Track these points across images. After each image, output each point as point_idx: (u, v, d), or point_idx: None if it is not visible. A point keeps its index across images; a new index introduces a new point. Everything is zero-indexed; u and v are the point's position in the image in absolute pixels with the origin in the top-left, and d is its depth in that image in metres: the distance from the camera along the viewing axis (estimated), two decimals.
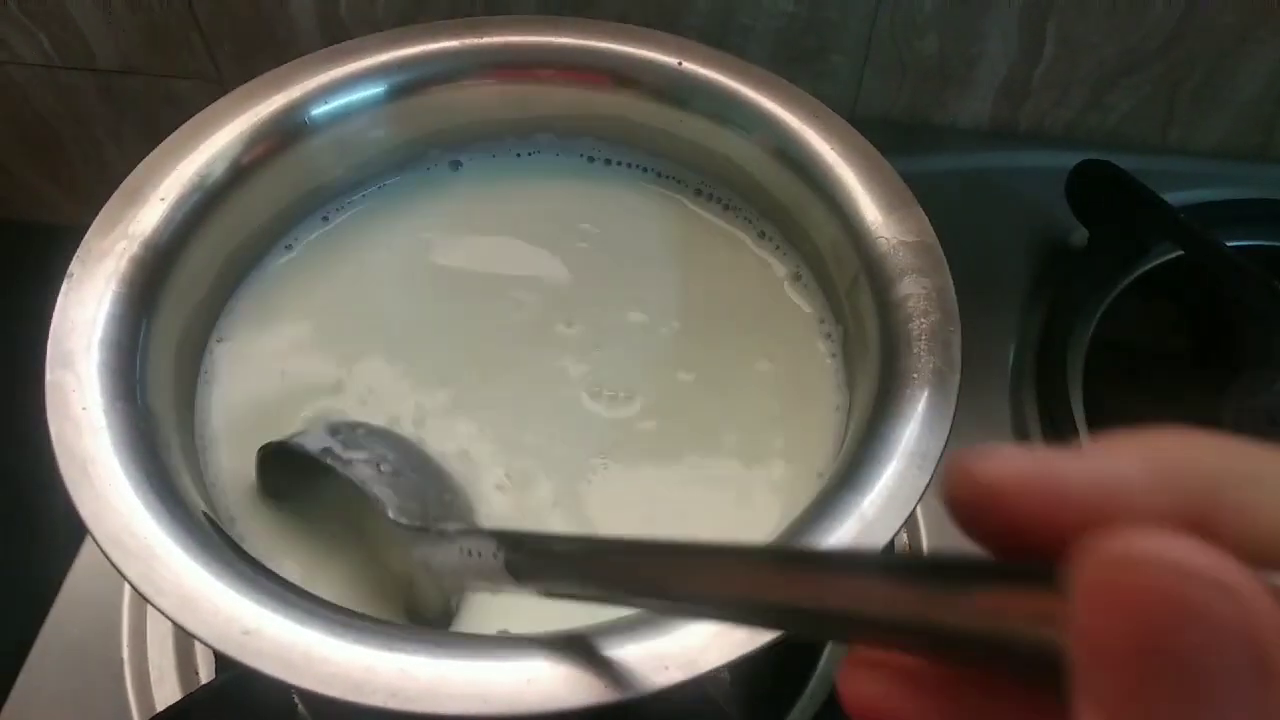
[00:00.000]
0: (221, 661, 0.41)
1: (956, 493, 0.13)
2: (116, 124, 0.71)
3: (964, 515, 0.13)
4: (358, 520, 0.32)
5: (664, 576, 0.20)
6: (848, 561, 0.17)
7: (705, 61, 0.39)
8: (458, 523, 0.30)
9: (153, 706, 0.40)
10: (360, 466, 0.31)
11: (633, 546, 0.21)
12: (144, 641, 0.42)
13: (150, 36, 0.65)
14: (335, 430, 0.32)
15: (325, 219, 0.40)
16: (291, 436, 0.32)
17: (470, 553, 0.25)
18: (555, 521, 0.33)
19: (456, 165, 0.41)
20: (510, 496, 0.34)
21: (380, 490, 0.30)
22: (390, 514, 0.29)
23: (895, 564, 0.18)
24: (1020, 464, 0.13)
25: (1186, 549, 0.10)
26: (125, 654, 0.41)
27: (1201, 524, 0.11)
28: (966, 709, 0.15)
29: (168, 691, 0.41)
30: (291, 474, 0.33)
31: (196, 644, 0.42)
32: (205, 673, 0.41)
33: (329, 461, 0.31)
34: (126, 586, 0.43)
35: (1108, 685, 0.10)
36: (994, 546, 0.13)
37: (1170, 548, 0.10)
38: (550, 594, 0.23)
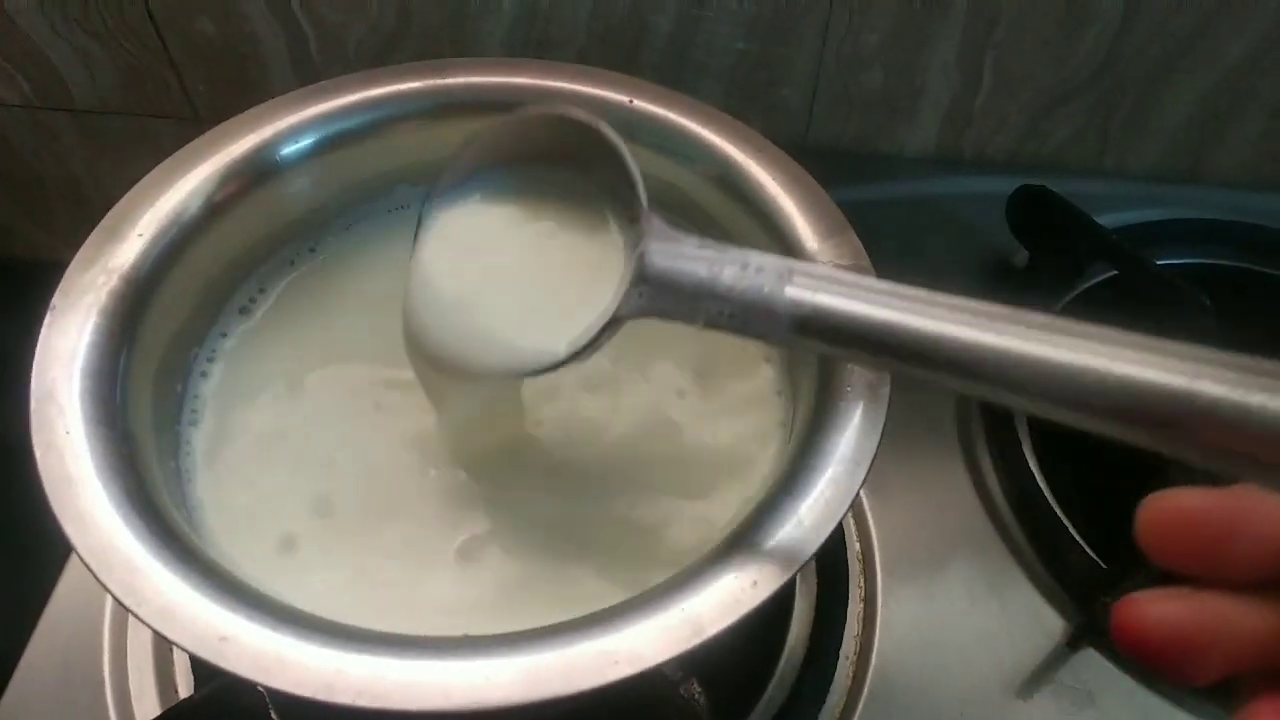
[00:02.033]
0: (200, 678, 0.43)
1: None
2: (94, 162, 0.73)
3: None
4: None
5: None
6: None
7: (655, 99, 0.41)
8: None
9: None
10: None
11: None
12: (124, 659, 0.43)
13: (127, 77, 0.67)
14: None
15: (298, 259, 0.42)
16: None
17: (753, 269, 0.26)
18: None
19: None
20: None
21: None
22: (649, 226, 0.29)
23: None
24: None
25: None
26: (106, 672, 0.43)
27: None
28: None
29: (147, 707, 0.42)
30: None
31: (175, 662, 0.44)
32: (184, 689, 0.43)
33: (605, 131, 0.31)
34: (108, 606, 0.45)
35: None
36: None
37: None
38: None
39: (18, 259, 0.78)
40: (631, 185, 0.30)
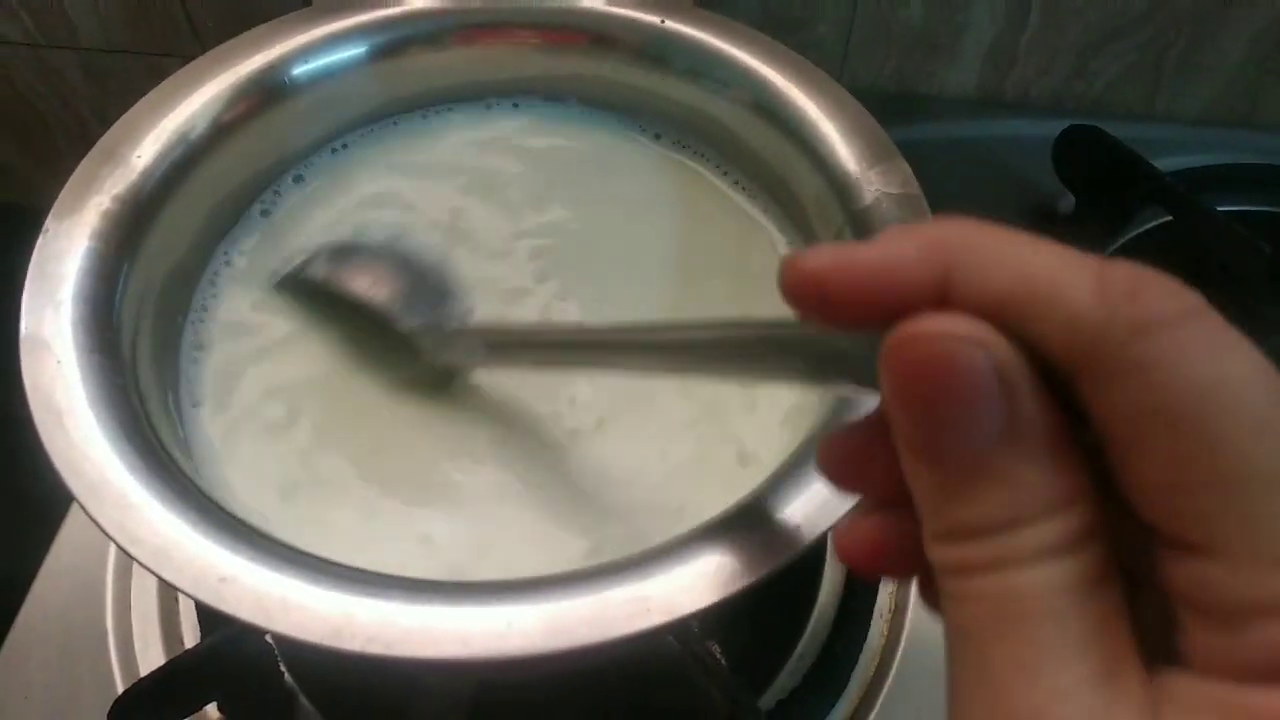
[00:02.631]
0: (206, 627, 0.41)
1: (791, 283, 0.17)
2: (100, 103, 0.71)
3: (799, 301, 0.17)
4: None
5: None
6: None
7: (687, 19, 0.38)
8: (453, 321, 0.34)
9: (137, 674, 0.40)
10: (362, 283, 0.34)
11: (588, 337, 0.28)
12: (128, 611, 0.41)
13: (133, 13, 0.64)
14: (335, 255, 0.36)
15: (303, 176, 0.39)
16: (297, 267, 0.36)
17: (463, 347, 0.32)
18: None
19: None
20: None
21: (383, 303, 0.33)
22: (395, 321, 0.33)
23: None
24: (832, 254, 0.16)
25: (954, 321, 0.15)
26: (110, 623, 0.41)
27: (950, 287, 0.15)
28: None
29: (153, 659, 0.40)
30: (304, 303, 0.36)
31: (181, 611, 0.42)
32: (190, 639, 0.41)
33: (332, 286, 0.34)
34: (111, 554, 0.43)
35: (906, 418, 0.16)
36: (826, 324, 0.17)
37: (943, 321, 0.15)
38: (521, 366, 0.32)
39: (19, 203, 0.77)
40: None
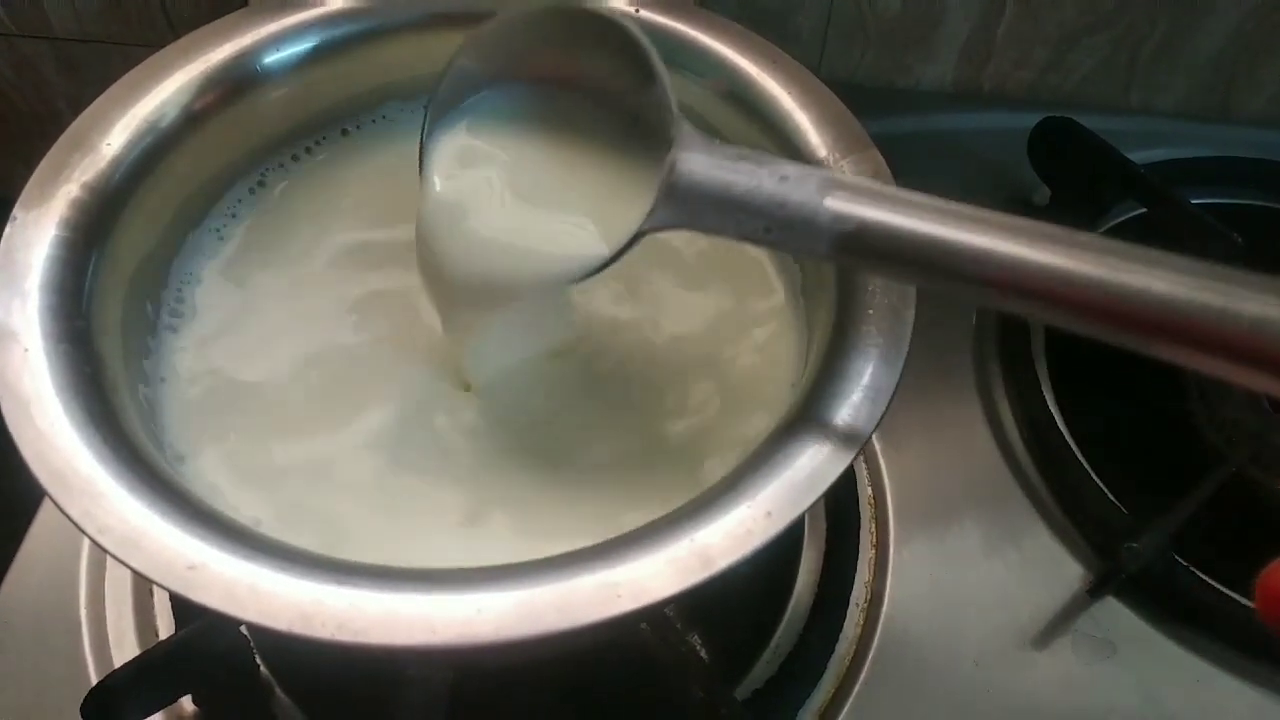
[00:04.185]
0: (181, 619, 0.41)
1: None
2: (75, 93, 0.70)
3: None
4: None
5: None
6: None
7: (661, 8, 0.38)
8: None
9: (110, 666, 0.40)
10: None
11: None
12: (102, 603, 0.41)
13: (109, 3, 0.64)
14: None
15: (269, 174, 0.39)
16: None
17: (793, 181, 0.25)
18: None
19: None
20: None
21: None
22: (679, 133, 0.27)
23: None
24: None
25: None
26: (83, 615, 0.41)
27: None
28: None
29: (126, 652, 0.40)
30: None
31: (156, 604, 0.42)
32: (165, 632, 0.41)
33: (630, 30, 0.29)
34: (85, 546, 0.43)
35: None
36: None
37: None
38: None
39: None
40: (661, 90, 0.28)
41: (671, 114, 0.27)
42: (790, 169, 0.26)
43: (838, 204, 0.25)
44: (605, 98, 0.31)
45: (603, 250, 0.29)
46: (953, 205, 0.25)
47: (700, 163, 0.27)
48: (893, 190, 0.25)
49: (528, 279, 0.31)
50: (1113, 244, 0.23)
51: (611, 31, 0.29)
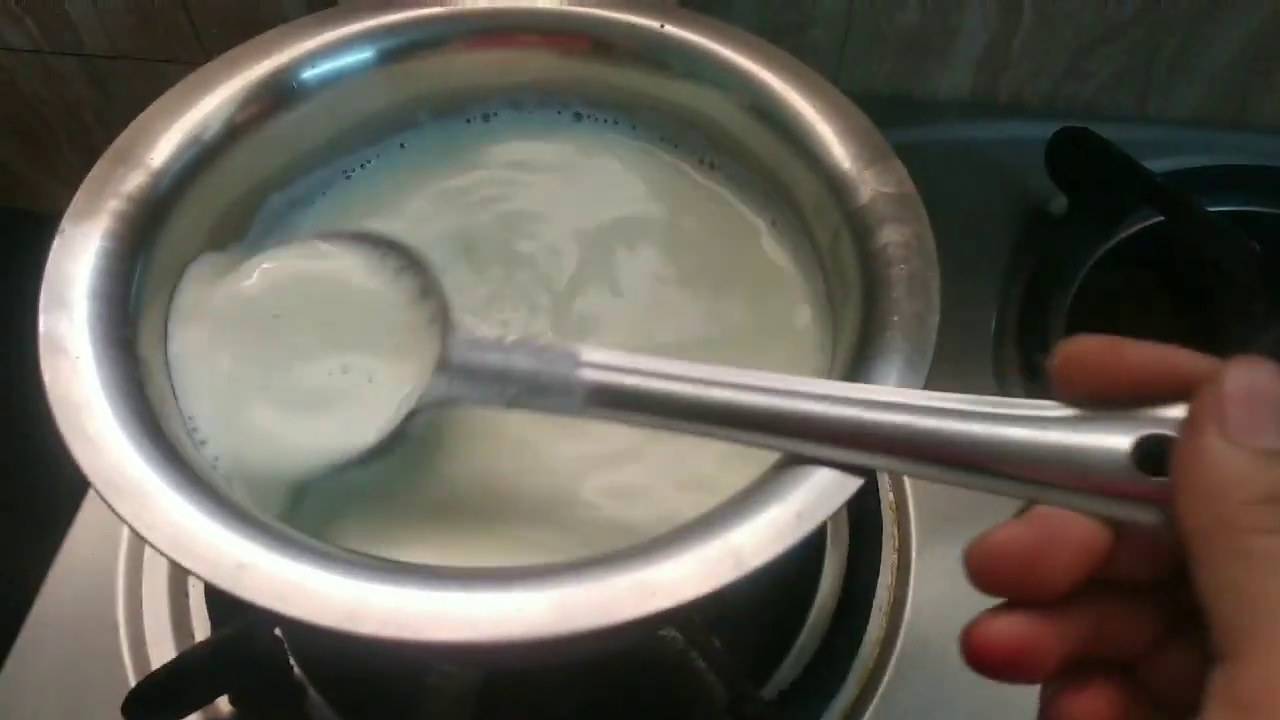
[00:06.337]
0: (216, 620, 0.42)
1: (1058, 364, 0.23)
2: (104, 108, 0.72)
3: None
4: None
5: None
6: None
7: (687, 24, 0.39)
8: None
9: (148, 667, 0.40)
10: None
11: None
12: (139, 604, 0.42)
13: (138, 20, 0.65)
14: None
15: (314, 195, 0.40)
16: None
17: (548, 362, 0.29)
18: None
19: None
20: None
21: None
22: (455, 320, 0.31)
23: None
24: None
25: None
26: (121, 616, 0.42)
27: None
28: (1093, 628, 0.21)
29: (163, 653, 0.41)
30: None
31: (191, 605, 0.43)
32: (201, 633, 0.42)
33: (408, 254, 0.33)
34: (123, 548, 0.44)
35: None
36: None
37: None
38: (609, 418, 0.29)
39: (27, 210, 0.77)
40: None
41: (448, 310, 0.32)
42: (542, 344, 0.30)
43: (586, 372, 0.29)
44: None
45: (367, 439, 0.31)
46: (676, 366, 0.28)
47: (465, 345, 0.31)
48: (633, 362, 0.28)
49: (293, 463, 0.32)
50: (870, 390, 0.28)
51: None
